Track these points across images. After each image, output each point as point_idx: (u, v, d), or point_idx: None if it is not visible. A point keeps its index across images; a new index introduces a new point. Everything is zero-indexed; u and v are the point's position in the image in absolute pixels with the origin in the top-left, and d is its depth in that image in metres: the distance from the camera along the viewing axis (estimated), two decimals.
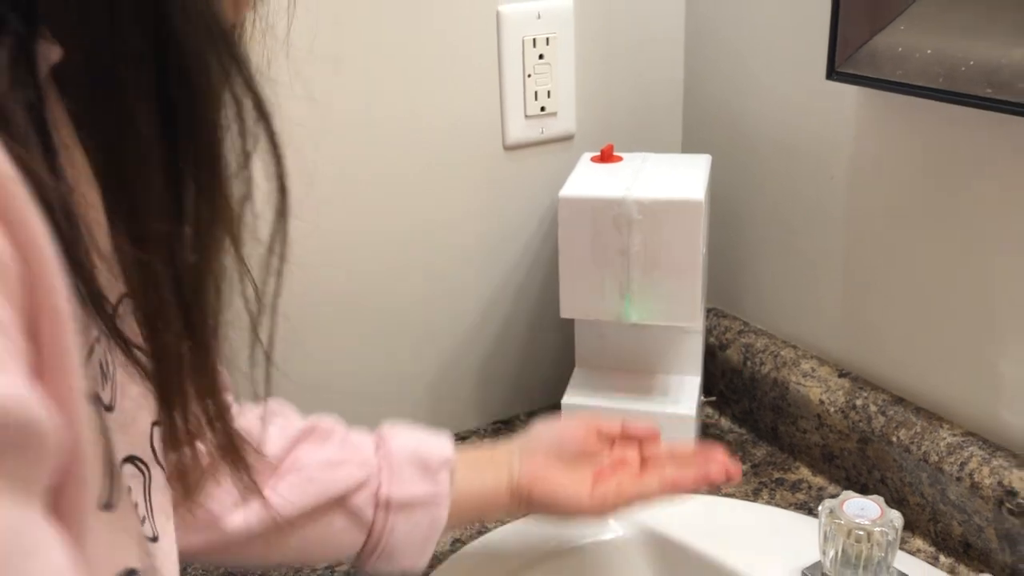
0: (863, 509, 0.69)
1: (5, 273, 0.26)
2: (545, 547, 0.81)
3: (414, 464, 0.68)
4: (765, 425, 0.93)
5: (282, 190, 0.38)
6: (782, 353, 0.92)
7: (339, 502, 0.65)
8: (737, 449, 0.93)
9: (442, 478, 0.68)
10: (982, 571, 0.74)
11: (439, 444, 0.70)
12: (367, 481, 0.66)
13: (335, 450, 0.67)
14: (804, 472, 0.88)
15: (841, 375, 0.87)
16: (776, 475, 0.89)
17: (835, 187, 0.85)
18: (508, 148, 0.93)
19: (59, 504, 0.29)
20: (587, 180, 0.87)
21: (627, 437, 0.74)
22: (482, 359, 0.99)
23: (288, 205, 0.38)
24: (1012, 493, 0.71)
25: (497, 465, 0.71)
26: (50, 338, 0.28)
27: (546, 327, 1.00)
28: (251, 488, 0.45)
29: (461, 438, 0.98)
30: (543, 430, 0.74)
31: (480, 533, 0.82)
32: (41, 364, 0.28)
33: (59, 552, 0.25)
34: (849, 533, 0.68)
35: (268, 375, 0.42)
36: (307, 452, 0.66)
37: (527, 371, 1.02)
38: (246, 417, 0.61)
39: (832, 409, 0.85)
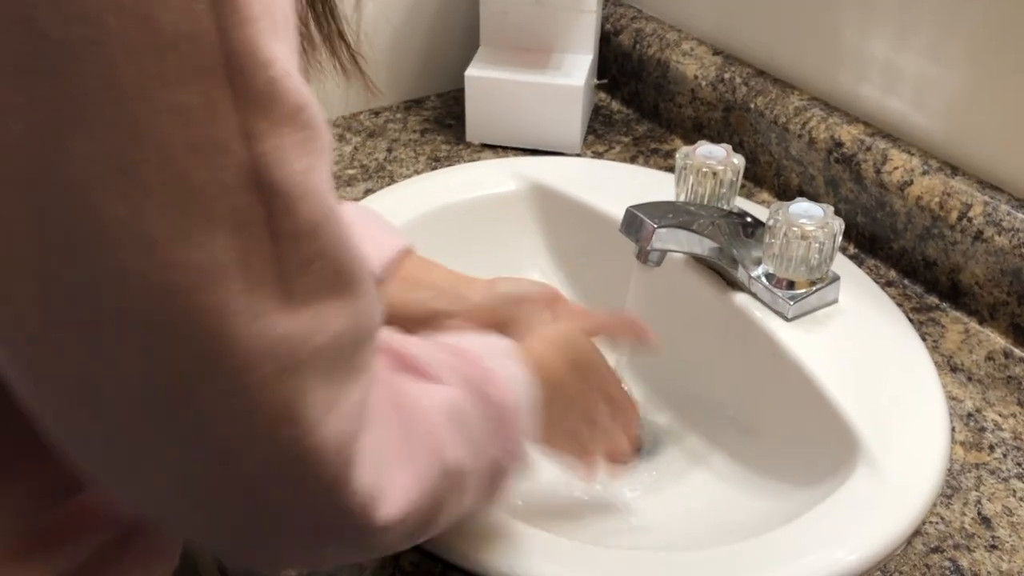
0: (712, 153, 0.80)
1: None
2: (443, 200, 0.91)
3: None
4: (648, 104, 1.03)
5: None
6: (667, 36, 1.00)
7: None
8: (623, 127, 1.04)
9: None
10: None
11: (380, 244, 0.68)
12: None
13: None
14: (677, 143, 0.99)
15: (715, 53, 0.96)
16: (653, 146, 1.00)
17: None
18: None
19: None
20: None
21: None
22: (391, 39, 1.06)
23: None
24: (839, 144, 0.83)
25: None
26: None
27: (452, 8, 1.07)
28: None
29: (374, 113, 1.06)
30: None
31: (386, 185, 0.92)
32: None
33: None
34: (697, 171, 0.79)
35: None
36: None
37: (435, 53, 1.09)
38: None
39: (704, 83, 0.95)
